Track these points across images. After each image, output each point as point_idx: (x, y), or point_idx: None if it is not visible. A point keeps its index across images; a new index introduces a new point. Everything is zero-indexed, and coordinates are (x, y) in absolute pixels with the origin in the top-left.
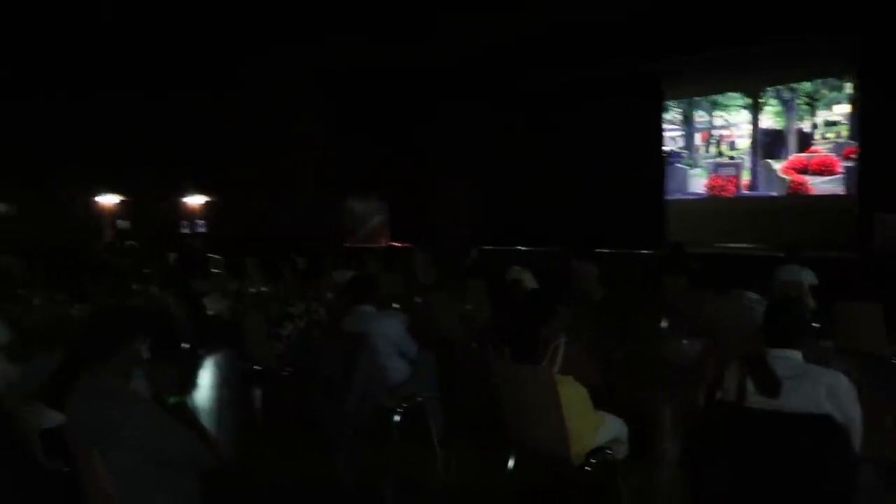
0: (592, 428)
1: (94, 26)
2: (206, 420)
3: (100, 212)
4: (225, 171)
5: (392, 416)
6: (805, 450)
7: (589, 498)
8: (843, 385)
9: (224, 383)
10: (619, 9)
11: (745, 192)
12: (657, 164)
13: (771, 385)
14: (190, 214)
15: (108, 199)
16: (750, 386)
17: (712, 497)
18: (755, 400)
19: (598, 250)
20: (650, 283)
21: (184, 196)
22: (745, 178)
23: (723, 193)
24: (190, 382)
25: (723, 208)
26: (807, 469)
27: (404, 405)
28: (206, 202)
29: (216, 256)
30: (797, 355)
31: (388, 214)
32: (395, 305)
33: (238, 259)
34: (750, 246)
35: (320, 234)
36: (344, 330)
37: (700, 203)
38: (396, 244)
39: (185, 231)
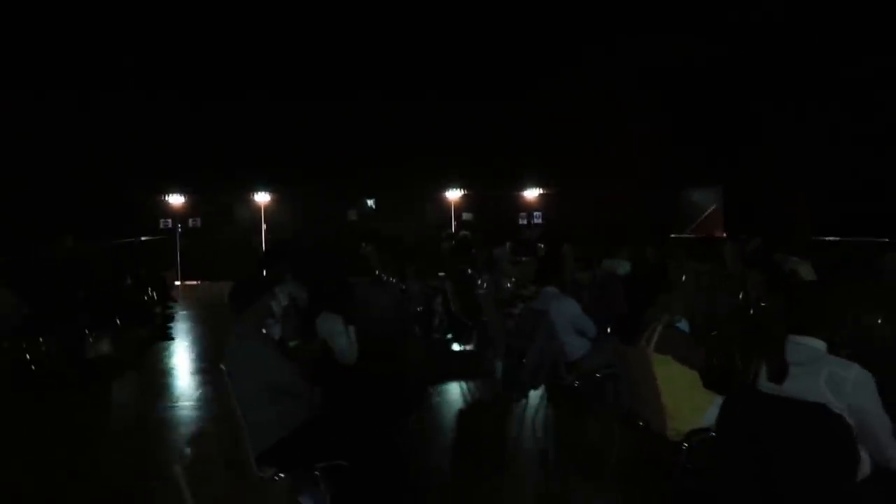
0: (695, 408)
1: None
2: None
3: (448, 205)
4: (560, 164)
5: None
6: (797, 437)
7: (682, 475)
8: (851, 376)
9: None
10: None
11: None
12: None
13: (777, 371)
14: (527, 207)
15: (454, 194)
16: (764, 370)
17: (723, 475)
18: (765, 384)
19: None
20: None
21: (522, 190)
22: None
23: None
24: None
25: None
26: (800, 456)
27: (576, 381)
28: (542, 194)
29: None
30: (815, 343)
31: (723, 204)
32: None
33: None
34: None
35: (655, 224)
36: (532, 308)
37: None
38: (720, 235)
39: (523, 222)
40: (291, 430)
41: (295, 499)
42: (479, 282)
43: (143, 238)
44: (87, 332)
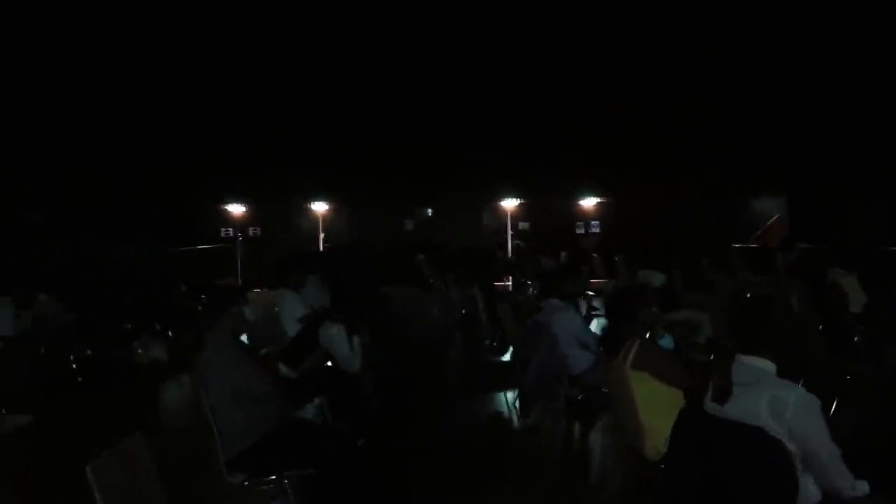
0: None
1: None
2: None
3: (504, 214)
4: (619, 172)
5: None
6: (734, 460)
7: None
8: (792, 399)
9: None
10: None
11: None
12: None
13: (720, 391)
14: (585, 216)
15: (510, 203)
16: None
17: (666, 495)
18: (709, 404)
19: None
20: None
21: (580, 198)
22: None
23: None
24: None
25: None
26: (736, 480)
27: (580, 395)
28: (600, 203)
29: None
30: (762, 363)
31: (788, 213)
32: None
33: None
34: None
35: (718, 233)
36: (535, 321)
37: None
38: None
39: (580, 231)
40: (261, 436)
41: None
42: (531, 291)
43: (200, 246)
44: (131, 337)
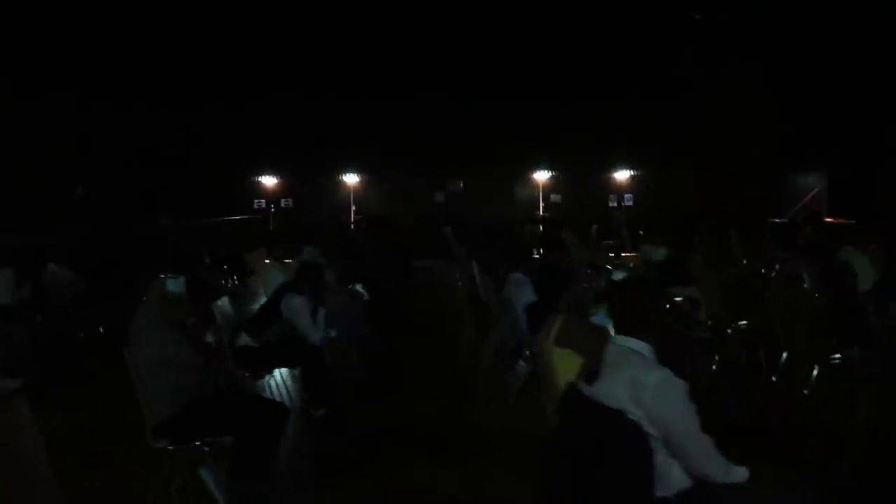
0: None
1: None
2: None
3: (536, 186)
4: (652, 146)
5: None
6: (595, 441)
7: None
8: (651, 382)
9: None
10: None
11: None
12: None
13: (589, 371)
14: (618, 189)
15: (542, 175)
16: None
17: (549, 475)
18: (581, 384)
19: None
20: None
21: (612, 172)
22: None
23: None
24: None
25: None
26: (597, 461)
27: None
28: (633, 176)
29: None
30: (636, 344)
31: (827, 189)
32: None
33: None
34: None
35: (754, 209)
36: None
37: None
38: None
39: (613, 205)
40: (183, 404)
41: (193, 470)
42: None
43: (228, 218)
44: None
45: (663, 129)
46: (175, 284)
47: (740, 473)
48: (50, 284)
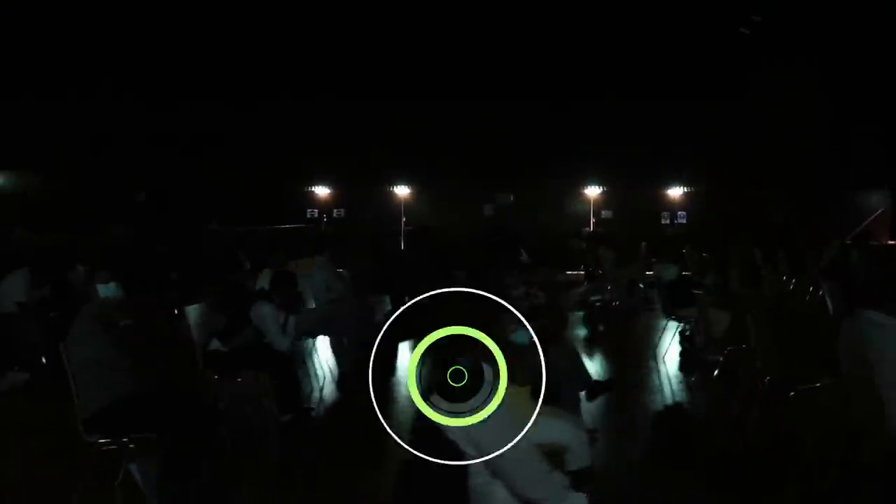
0: None
1: None
2: None
3: (586, 202)
4: (707, 164)
5: None
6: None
7: None
8: None
9: None
10: None
11: None
12: None
13: None
14: (671, 205)
15: (593, 191)
16: None
17: None
18: None
19: None
20: None
21: (666, 188)
22: None
23: None
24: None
25: None
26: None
27: None
28: (687, 193)
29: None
30: None
31: (892, 207)
32: None
33: None
34: None
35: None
36: None
37: None
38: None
39: (665, 221)
40: (112, 401)
41: (122, 465)
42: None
43: (276, 226)
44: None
45: (719, 145)
46: (107, 290)
47: (577, 500)
48: (77, 284)
